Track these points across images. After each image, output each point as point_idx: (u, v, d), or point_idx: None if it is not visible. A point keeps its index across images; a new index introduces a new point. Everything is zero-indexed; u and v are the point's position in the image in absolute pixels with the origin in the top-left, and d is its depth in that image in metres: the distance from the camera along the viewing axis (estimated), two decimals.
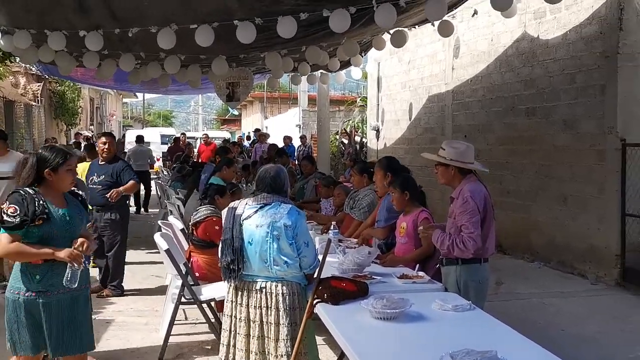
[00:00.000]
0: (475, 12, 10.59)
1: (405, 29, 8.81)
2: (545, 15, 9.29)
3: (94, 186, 7.11)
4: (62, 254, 3.39)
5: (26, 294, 3.46)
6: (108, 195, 6.91)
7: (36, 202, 3.40)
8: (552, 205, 9.11)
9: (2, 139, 7.38)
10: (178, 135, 25.87)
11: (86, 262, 3.76)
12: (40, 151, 3.67)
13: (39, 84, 18.08)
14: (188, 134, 29.09)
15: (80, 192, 3.87)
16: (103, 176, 7.09)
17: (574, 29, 8.70)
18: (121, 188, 6.98)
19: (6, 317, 3.52)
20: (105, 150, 7.21)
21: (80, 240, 3.49)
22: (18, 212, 3.34)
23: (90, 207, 7.28)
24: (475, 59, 11.10)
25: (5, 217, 3.35)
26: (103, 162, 7.22)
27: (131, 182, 7.10)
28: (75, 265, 3.40)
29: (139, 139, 16.57)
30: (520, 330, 3.27)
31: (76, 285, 3.44)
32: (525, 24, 9.68)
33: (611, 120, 8.03)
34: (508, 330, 3.30)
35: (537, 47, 9.46)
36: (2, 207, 3.39)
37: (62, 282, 3.41)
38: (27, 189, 3.47)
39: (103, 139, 7.37)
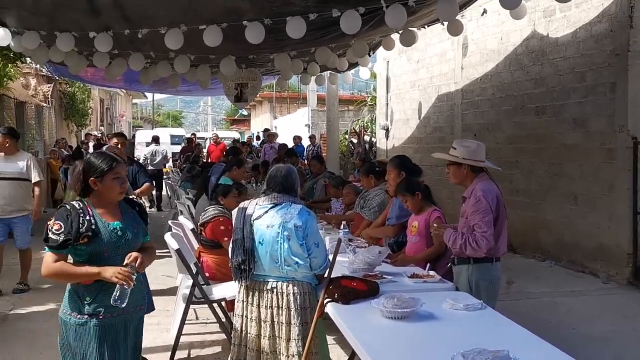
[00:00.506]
0: (485, 11, 10.59)
1: (415, 28, 8.80)
2: (555, 14, 9.26)
3: None
4: (109, 273, 3.06)
5: (77, 317, 3.16)
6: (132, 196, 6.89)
7: (81, 218, 3.11)
8: (562, 204, 9.08)
9: (13, 137, 7.28)
10: (189, 135, 26.06)
11: (142, 278, 3.50)
12: (87, 157, 3.38)
13: (50, 85, 18.15)
14: (197, 135, 29.20)
15: (139, 201, 3.60)
16: None
17: (583, 27, 8.66)
18: (137, 191, 6.96)
19: (58, 339, 3.25)
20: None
21: (133, 255, 3.16)
22: (62, 229, 3.06)
23: None
24: (485, 57, 11.07)
25: (50, 235, 3.07)
26: None
27: (146, 184, 7.11)
28: (125, 284, 3.05)
29: (155, 139, 17.23)
30: (531, 330, 3.26)
31: (124, 305, 3.09)
32: (535, 22, 9.65)
33: (622, 119, 7.99)
34: (520, 330, 3.30)
35: (546, 46, 9.43)
36: (48, 222, 3.11)
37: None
38: (75, 202, 3.18)
39: (115, 140, 7.32)
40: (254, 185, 11.13)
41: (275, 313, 3.85)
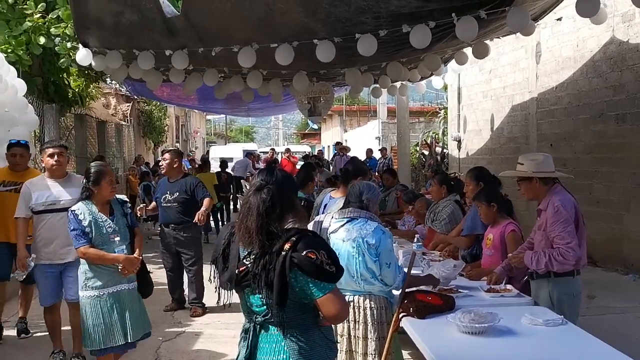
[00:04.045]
0: (560, 18, 10.35)
1: (487, 40, 8.70)
2: (635, 18, 8.95)
3: (169, 205, 7.08)
4: None
5: None
6: (196, 219, 6.90)
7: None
8: None
9: (64, 148, 5.52)
10: (266, 150, 26.73)
11: None
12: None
13: (128, 104, 18.88)
14: (268, 149, 29.75)
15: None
16: (177, 193, 7.05)
17: None
18: (203, 209, 6.97)
19: None
20: (175, 168, 7.24)
21: None
22: (333, 258, 2.51)
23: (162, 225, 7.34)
24: (560, 65, 10.80)
25: (328, 268, 2.46)
26: (173, 180, 7.18)
27: (207, 199, 7.08)
28: None
29: (247, 154, 21.21)
30: (614, 346, 3.17)
31: None
32: (613, 27, 9.36)
33: None
34: (603, 346, 3.21)
35: (626, 51, 9.12)
36: (310, 256, 2.44)
37: None
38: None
39: (167, 156, 7.33)
40: None
41: (352, 327, 3.87)
